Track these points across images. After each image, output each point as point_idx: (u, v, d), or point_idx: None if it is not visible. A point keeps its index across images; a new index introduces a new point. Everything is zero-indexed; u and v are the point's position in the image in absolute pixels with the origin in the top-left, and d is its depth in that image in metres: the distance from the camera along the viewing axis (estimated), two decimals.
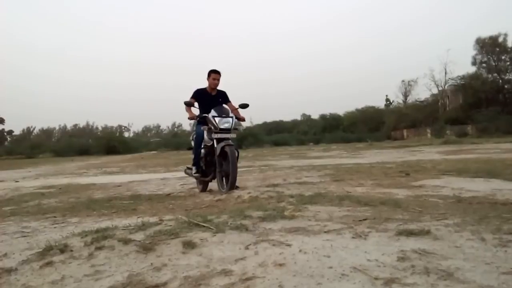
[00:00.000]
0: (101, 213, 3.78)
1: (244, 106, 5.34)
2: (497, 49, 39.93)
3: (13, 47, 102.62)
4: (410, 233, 2.25)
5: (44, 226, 3.24)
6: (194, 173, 5.40)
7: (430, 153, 13.30)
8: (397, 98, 53.60)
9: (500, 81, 40.37)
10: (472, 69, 41.89)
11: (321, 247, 2.08)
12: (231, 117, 5.08)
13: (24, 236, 2.82)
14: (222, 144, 4.81)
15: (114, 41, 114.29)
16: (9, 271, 1.96)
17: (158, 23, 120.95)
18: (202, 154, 5.39)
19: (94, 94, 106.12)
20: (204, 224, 2.61)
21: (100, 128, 74.48)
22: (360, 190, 4.41)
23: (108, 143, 41.47)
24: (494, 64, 40.44)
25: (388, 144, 26.60)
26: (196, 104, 5.36)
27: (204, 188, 5.49)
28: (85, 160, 25.20)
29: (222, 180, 4.92)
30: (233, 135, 5.05)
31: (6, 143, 59.13)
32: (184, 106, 5.31)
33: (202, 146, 5.33)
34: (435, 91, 45.55)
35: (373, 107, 54.99)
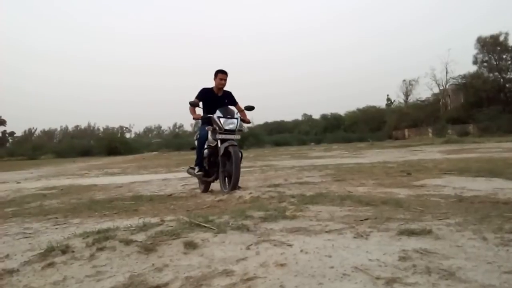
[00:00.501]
0: (102, 214, 3.78)
1: (250, 108, 5.38)
2: (498, 48, 39.88)
3: (14, 48, 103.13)
4: (411, 233, 2.25)
5: (45, 227, 3.25)
6: (197, 172, 5.38)
7: (432, 152, 13.28)
8: (398, 98, 53.66)
9: (501, 80, 40.30)
10: (473, 68, 41.91)
11: (322, 247, 2.08)
12: (236, 118, 5.08)
13: (26, 237, 2.83)
14: (226, 144, 4.80)
15: (115, 42, 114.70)
16: (11, 272, 1.96)
17: (158, 25, 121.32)
18: (205, 155, 5.38)
19: (96, 95, 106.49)
20: (206, 225, 2.61)
21: (101, 129, 74.74)
22: (362, 190, 4.41)
23: (110, 144, 41.55)
24: (495, 63, 40.38)
25: (390, 144, 26.57)
26: (200, 104, 5.35)
27: (206, 189, 5.49)
28: (86, 161, 25.24)
29: (225, 180, 4.92)
30: (237, 137, 5.04)
31: (7, 144, 59.38)
32: (189, 106, 5.30)
33: (206, 147, 5.32)
34: (436, 90, 45.59)
35: (374, 107, 54.98)
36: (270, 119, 63.38)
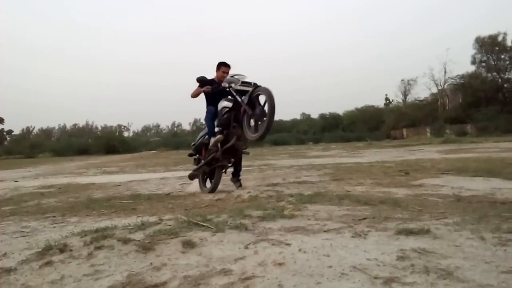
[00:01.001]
0: (100, 213, 3.78)
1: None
2: (497, 48, 39.98)
3: (12, 45, 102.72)
4: (409, 232, 2.25)
5: (43, 225, 3.24)
6: (217, 136, 4.99)
7: (430, 152, 13.30)
8: (396, 97, 53.72)
9: (500, 80, 40.40)
10: (471, 68, 42.00)
11: (320, 246, 2.08)
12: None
13: (24, 236, 2.82)
14: (249, 92, 4.70)
15: (113, 40, 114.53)
16: (8, 270, 1.96)
17: (157, 23, 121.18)
18: (220, 123, 5.07)
19: (94, 93, 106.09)
20: (204, 224, 2.61)
21: (99, 128, 74.55)
22: (360, 189, 4.41)
23: (108, 143, 41.50)
24: (493, 63, 40.48)
25: (388, 143, 26.59)
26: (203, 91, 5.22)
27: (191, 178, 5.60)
28: (84, 159, 25.20)
29: (256, 125, 4.70)
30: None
31: (5, 142, 59.15)
32: (197, 82, 5.15)
33: (223, 114, 5.03)
34: (434, 90, 45.65)
35: (372, 106, 55.02)
36: None
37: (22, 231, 3.00)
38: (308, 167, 8.56)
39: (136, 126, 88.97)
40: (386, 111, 52.15)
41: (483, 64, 41.19)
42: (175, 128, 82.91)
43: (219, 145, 5.02)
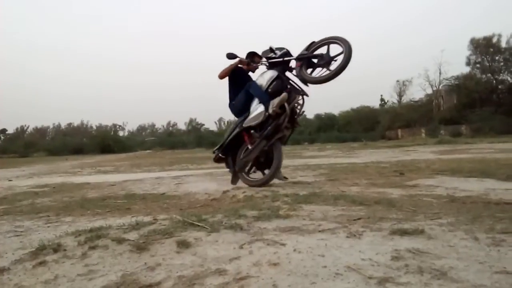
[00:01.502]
0: (95, 212, 3.76)
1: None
2: (491, 49, 40.25)
3: (6, 42, 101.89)
4: (404, 233, 2.26)
5: (37, 225, 3.22)
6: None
7: (425, 152, 13.35)
8: (391, 98, 54.02)
9: (494, 81, 40.67)
10: (466, 70, 42.32)
11: (315, 246, 2.08)
12: None
13: (17, 235, 2.80)
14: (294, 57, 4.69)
15: (109, 39, 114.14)
16: (1, 270, 1.94)
17: (154, 22, 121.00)
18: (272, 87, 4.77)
19: (89, 92, 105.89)
20: (199, 224, 2.61)
21: (94, 127, 74.45)
22: (355, 190, 4.42)
23: (103, 142, 41.43)
24: (488, 64, 40.75)
25: (383, 144, 26.68)
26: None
27: (234, 181, 5.16)
28: (79, 159, 25.09)
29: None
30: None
31: None
32: (229, 58, 4.95)
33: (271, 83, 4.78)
34: (429, 91, 45.96)
35: (368, 107, 55.24)
36: None
37: (16, 231, 2.98)
38: (303, 167, 8.56)
39: (131, 125, 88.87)
40: (381, 111, 52.37)
41: (478, 65, 41.48)
42: (170, 128, 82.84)
43: (286, 105, 4.64)
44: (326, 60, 4.55)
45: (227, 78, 5.14)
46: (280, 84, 4.73)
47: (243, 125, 4.89)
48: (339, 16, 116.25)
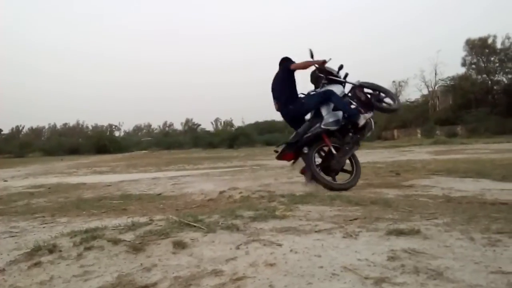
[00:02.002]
0: (90, 213, 3.75)
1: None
2: (487, 50, 40.38)
3: (3, 40, 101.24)
4: (400, 233, 2.26)
5: (32, 226, 3.21)
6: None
7: (420, 153, 13.40)
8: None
9: (489, 82, 40.83)
10: (461, 70, 42.42)
11: (312, 246, 2.08)
12: None
13: (12, 236, 2.79)
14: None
15: (108, 38, 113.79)
16: None
17: (152, 21, 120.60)
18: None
19: (85, 92, 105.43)
20: (195, 224, 2.60)
21: (90, 127, 74.20)
22: (351, 190, 4.43)
23: (98, 142, 41.31)
24: (483, 65, 40.89)
25: (379, 144, 26.73)
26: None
27: (310, 180, 4.77)
28: (75, 159, 25.00)
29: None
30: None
31: None
32: (311, 56, 4.91)
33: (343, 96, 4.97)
34: (425, 92, 46.11)
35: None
36: (261, 118, 63.42)
37: (11, 232, 2.97)
38: None
39: (127, 125, 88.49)
40: (377, 111, 52.45)
41: (473, 66, 41.62)
42: (167, 128, 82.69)
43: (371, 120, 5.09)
44: (378, 98, 5.05)
45: (285, 76, 4.97)
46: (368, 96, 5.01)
47: (323, 127, 4.72)
48: (335, 17, 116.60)
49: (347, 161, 4.93)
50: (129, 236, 2.37)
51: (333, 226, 2.55)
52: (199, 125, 76.73)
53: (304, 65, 4.90)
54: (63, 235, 2.50)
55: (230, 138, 40.66)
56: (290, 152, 4.88)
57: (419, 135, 37.12)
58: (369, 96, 5.00)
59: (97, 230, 2.56)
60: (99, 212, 3.78)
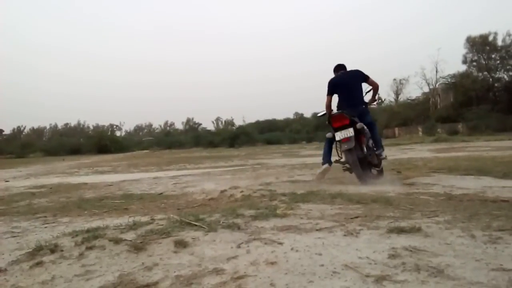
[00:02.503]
0: (92, 213, 3.75)
1: None
2: (487, 47, 40.29)
3: (4, 40, 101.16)
4: (401, 231, 2.27)
5: (34, 226, 3.21)
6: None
7: (421, 151, 13.39)
8: (388, 97, 53.96)
9: (490, 79, 40.75)
10: (462, 68, 42.36)
11: (312, 245, 2.09)
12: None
13: (14, 236, 2.80)
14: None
15: (107, 37, 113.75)
16: None
17: (151, 20, 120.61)
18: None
19: (86, 92, 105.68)
20: (196, 223, 2.61)
21: (91, 127, 74.35)
22: (352, 188, 4.43)
23: (100, 142, 41.31)
24: (484, 62, 40.81)
25: None
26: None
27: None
28: (76, 159, 25.02)
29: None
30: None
31: None
32: None
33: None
34: (426, 89, 46.00)
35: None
36: (262, 117, 63.62)
37: (13, 232, 2.98)
38: (301, 166, 8.57)
39: (128, 125, 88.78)
40: (379, 110, 52.36)
41: (474, 63, 41.54)
42: (168, 128, 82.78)
43: None
44: None
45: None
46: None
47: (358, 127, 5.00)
48: (336, 16, 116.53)
49: None
50: (130, 236, 2.38)
51: (334, 224, 2.55)
52: (200, 124, 76.96)
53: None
54: (65, 235, 2.50)
55: (231, 137, 40.69)
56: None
57: (420, 133, 37.08)
58: None
59: (99, 229, 2.56)
60: (101, 212, 3.78)
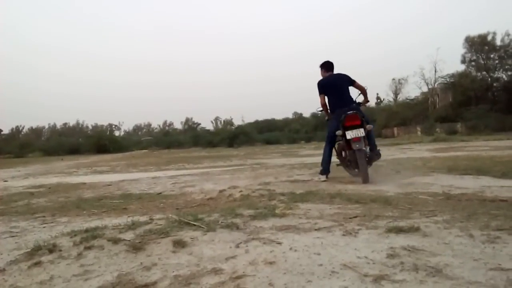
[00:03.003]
0: (91, 213, 3.75)
1: None
2: (486, 47, 40.30)
3: (3, 39, 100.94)
4: (399, 230, 2.27)
5: (33, 226, 3.21)
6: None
7: (420, 150, 13.39)
8: (387, 96, 54.17)
9: (489, 79, 40.76)
10: (461, 67, 42.35)
11: (311, 244, 2.09)
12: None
13: (13, 236, 2.79)
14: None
15: (106, 37, 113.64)
16: None
17: (150, 20, 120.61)
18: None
19: (85, 91, 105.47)
20: (195, 223, 2.61)
21: (90, 127, 74.29)
22: (351, 188, 4.43)
23: (99, 142, 41.22)
24: (483, 62, 40.81)
25: (379, 142, 26.52)
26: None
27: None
28: (75, 159, 24.98)
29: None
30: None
31: None
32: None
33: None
34: (425, 89, 46.02)
35: (364, 105, 55.25)
36: (261, 117, 63.67)
37: (11, 231, 2.97)
38: (300, 166, 8.57)
39: (127, 125, 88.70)
40: (377, 110, 52.44)
41: (473, 63, 41.53)
42: (167, 127, 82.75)
43: None
44: None
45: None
46: None
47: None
48: (334, 16, 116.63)
49: None
50: (129, 235, 2.38)
51: (333, 224, 2.55)
52: (199, 124, 76.94)
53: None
54: (63, 235, 2.50)
55: (230, 137, 40.65)
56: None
57: (419, 133, 37.06)
58: None
59: (97, 229, 2.56)
60: (99, 212, 3.78)
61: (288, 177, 6.11)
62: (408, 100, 48.70)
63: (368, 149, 5.24)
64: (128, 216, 3.27)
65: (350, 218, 2.73)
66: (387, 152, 13.72)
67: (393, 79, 51.81)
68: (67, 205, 4.37)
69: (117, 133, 68.05)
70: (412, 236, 2.18)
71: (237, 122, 59.29)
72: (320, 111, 5.85)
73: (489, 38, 40.14)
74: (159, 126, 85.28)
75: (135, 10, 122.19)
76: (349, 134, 5.05)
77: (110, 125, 74.25)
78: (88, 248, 2.17)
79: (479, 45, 40.46)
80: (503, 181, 4.50)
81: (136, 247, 2.15)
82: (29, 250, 2.21)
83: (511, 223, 2.36)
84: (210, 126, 71.80)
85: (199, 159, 15.25)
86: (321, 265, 1.78)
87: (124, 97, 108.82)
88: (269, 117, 65.46)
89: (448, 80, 43.11)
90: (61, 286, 1.73)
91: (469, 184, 4.39)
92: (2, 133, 62.73)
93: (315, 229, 2.43)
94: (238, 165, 10.55)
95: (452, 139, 22.61)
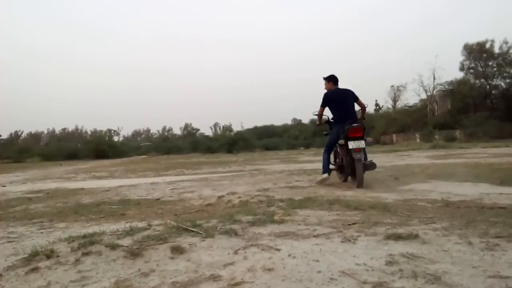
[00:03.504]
0: (89, 218, 3.74)
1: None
2: (484, 55, 40.44)
3: (2, 44, 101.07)
4: (398, 237, 2.26)
5: (30, 231, 3.20)
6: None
7: (419, 157, 13.40)
8: (386, 103, 54.22)
9: (488, 86, 40.88)
10: (460, 75, 42.45)
11: (310, 251, 2.08)
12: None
13: (10, 242, 2.78)
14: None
15: (105, 43, 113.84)
16: None
17: (151, 26, 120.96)
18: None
19: (85, 97, 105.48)
20: (193, 229, 2.60)
21: (89, 132, 74.22)
22: (350, 194, 4.43)
23: (97, 147, 41.13)
24: (481, 69, 40.95)
25: (378, 149, 26.74)
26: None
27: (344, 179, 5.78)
28: (73, 164, 24.93)
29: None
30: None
31: None
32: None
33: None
34: (423, 96, 46.09)
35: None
36: (260, 123, 63.74)
37: (9, 237, 2.96)
38: (299, 172, 8.57)
39: (126, 130, 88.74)
40: (376, 116, 52.51)
41: (471, 70, 41.65)
42: (166, 133, 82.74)
43: None
44: None
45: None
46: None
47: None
48: (335, 23, 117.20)
49: None
50: (127, 241, 2.37)
51: (332, 230, 2.55)
52: (198, 129, 76.98)
53: None
54: (61, 241, 2.49)
55: (229, 143, 40.61)
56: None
57: (417, 140, 37.11)
58: None
59: (95, 235, 2.56)
60: (98, 217, 3.77)
61: (287, 183, 6.10)
62: (407, 107, 48.78)
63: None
64: (126, 222, 3.26)
65: (349, 224, 2.72)
66: (386, 158, 13.72)
67: (392, 86, 52.02)
68: (65, 210, 4.36)
69: (116, 139, 68.03)
70: (411, 243, 2.18)
71: (236, 128, 59.35)
72: (315, 115, 6.18)
73: (488, 45, 40.31)
74: (158, 131, 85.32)
75: (135, 16, 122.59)
76: (351, 144, 5.30)
77: (109, 130, 74.19)
78: (86, 254, 2.17)
79: (477, 52, 40.62)
80: (502, 188, 4.50)
81: (134, 253, 2.14)
82: (26, 255, 2.20)
83: (510, 231, 2.36)
84: (209, 132, 71.94)
85: (198, 165, 15.23)
86: (319, 272, 1.77)
87: (123, 103, 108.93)
88: (268, 123, 65.60)
89: (446, 87, 43.24)
90: None
91: (468, 191, 4.39)
92: (1, 138, 62.68)
93: (314, 236, 2.43)
94: (237, 171, 10.54)
95: (450, 146, 22.64)
